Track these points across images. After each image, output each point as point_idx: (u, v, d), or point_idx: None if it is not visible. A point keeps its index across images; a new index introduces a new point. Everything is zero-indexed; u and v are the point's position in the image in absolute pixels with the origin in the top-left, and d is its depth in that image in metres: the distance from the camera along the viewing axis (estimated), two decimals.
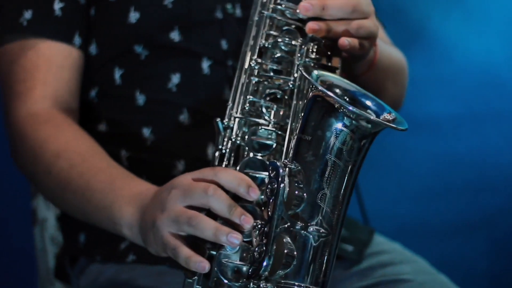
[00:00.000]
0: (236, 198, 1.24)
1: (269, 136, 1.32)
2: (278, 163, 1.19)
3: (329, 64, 1.37)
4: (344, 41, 1.34)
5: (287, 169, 1.20)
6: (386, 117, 1.22)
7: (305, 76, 1.20)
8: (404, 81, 1.70)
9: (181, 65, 1.56)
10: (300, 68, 1.22)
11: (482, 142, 2.76)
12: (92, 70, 1.60)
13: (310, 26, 1.34)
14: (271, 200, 1.18)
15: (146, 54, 1.56)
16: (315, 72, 1.24)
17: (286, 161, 1.21)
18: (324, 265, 1.20)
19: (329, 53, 1.37)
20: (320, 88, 1.18)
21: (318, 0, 1.35)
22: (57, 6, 1.55)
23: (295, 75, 1.34)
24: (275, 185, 1.18)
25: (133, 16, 1.55)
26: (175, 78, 1.56)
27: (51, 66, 1.54)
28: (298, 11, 1.36)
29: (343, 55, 1.39)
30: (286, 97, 1.35)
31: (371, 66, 1.50)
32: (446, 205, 2.78)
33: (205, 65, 1.56)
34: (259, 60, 1.37)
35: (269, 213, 1.18)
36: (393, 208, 2.71)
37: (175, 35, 1.55)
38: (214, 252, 1.23)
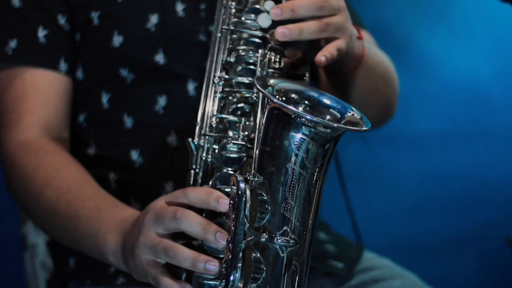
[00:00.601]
0: (211, 215, 1.24)
1: (239, 150, 1.32)
2: (239, 177, 1.18)
3: (296, 72, 1.37)
4: (320, 58, 1.34)
5: (249, 182, 1.19)
6: (349, 116, 1.22)
7: (258, 88, 1.19)
8: (395, 83, 1.70)
9: (167, 88, 1.56)
10: (255, 81, 1.21)
11: (470, 157, 2.77)
12: (80, 95, 1.60)
13: (280, 31, 1.34)
14: (233, 215, 1.18)
15: (132, 78, 1.57)
16: (271, 81, 1.24)
17: (248, 174, 1.21)
18: (297, 275, 1.19)
19: (295, 61, 1.37)
20: (274, 100, 1.17)
21: (286, 3, 1.35)
22: (41, 33, 1.56)
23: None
24: (237, 199, 1.18)
25: (117, 40, 1.56)
26: (162, 101, 1.56)
27: (38, 94, 1.55)
28: (270, 16, 1.37)
29: (309, 60, 1.39)
30: (253, 110, 1.36)
31: (360, 62, 1.50)
32: (436, 221, 2.78)
33: (191, 87, 1.57)
34: (223, 76, 1.38)
35: (232, 228, 1.18)
36: (385, 225, 2.72)
37: (159, 58, 1.56)
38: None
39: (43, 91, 1.55)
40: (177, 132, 1.56)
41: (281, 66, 1.37)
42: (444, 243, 2.78)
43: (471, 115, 2.76)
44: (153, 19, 1.56)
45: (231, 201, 1.18)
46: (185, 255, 1.20)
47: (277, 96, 1.21)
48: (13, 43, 1.56)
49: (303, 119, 1.16)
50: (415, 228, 2.76)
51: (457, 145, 2.76)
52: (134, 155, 1.57)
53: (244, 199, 1.17)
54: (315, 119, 1.15)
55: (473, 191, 2.78)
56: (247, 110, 1.36)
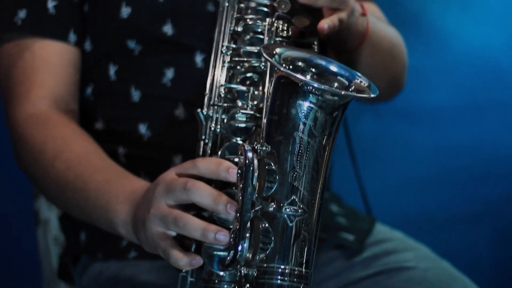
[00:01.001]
0: (221, 186, 1.24)
1: (248, 120, 1.32)
2: (247, 147, 1.18)
3: (303, 40, 1.36)
4: (323, 25, 1.34)
5: (257, 151, 1.19)
6: (357, 83, 1.21)
7: (265, 57, 1.19)
8: (404, 57, 1.70)
9: (175, 60, 1.56)
10: (261, 49, 1.21)
11: (483, 131, 2.76)
12: (87, 67, 1.60)
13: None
14: (241, 185, 1.17)
15: (140, 49, 1.56)
16: (277, 50, 1.23)
17: (256, 143, 1.21)
18: (306, 245, 1.19)
19: (303, 29, 1.37)
20: (280, 68, 1.17)
21: None
22: (51, 4, 1.55)
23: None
24: (244, 169, 1.17)
25: (125, 11, 1.55)
26: (169, 73, 1.56)
27: (47, 66, 1.54)
28: None
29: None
30: (260, 79, 1.35)
31: (365, 38, 1.49)
32: (449, 196, 2.77)
33: (199, 58, 1.56)
34: (231, 45, 1.37)
35: (240, 197, 1.17)
36: (396, 199, 2.70)
37: (168, 29, 1.55)
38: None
39: (52, 63, 1.55)
40: (185, 105, 1.56)
41: (289, 34, 1.36)
42: (457, 217, 2.77)
43: (485, 88, 2.74)
44: None
45: (239, 171, 1.18)
46: (195, 225, 1.21)
47: (283, 65, 1.21)
48: (22, 14, 1.55)
49: (310, 87, 1.15)
50: (428, 203, 2.75)
51: (470, 119, 2.75)
52: (142, 128, 1.57)
53: (251, 168, 1.17)
54: (322, 86, 1.15)
55: (486, 165, 2.76)
56: (256, 79, 1.36)
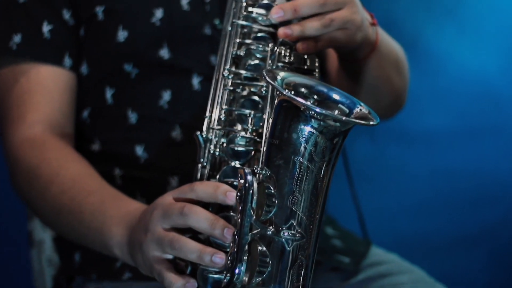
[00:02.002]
0: (218, 209, 1.24)
1: (247, 144, 1.32)
2: (247, 170, 1.18)
3: (305, 67, 1.36)
4: (299, 46, 1.34)
5: (256, 175, 1.19)
6: (358, 111, 1.21)
7: (268, 81, 1.19)
8: (406, 72, 1.70)
9: (172, 82, 1.56)
10: (264, 73, 1.21)
11: (478, 154, 2.76)
12: (84, 91, 1.60)
13: (282, 31, 1.34)
14: (240, 208, 1.17)
15: (136, 73, 1.56)
16: (280, 74, 1.23)
17: (256, 167, 1.20)
18: (302, 269, 1.19)
19: (305, 56, 1.37)
20: (283, 92, 1.17)
21: (288, 3, 1.35)
22: (46, 28, 1.55)
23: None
24: (244, 192, 1.17)
25: (122, 34, 1.55)
26: (166, 95, 1.56)
27: (42, 90, 1.55)
28: (270, 18, 1.36)
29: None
30: (262, 103, 1.35)
31: (373, 49, 1.49)
32: (445, 219, 2.77)
33: (196, 81, 1.56)
34: (233, 69, 1.38)
35: (239, 220, 1.17)
36: (392, 221, 2.70)
37: (164, 53, 1.56)
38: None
39: (47, 87, 1.55)
40: (181, 127, 1.55)
41: (291, 60, 1.36)
42: (452, 241, 2.77)
43: (480, 112, 2.75)
44: (158, 13, 1.56)
45: (238, 194, 1.18)
46: (191, 248, 1.20)
47: (286, 89, 1.21)
48: (17, 38, 1.55)
49: (312, 112, 1.15)
50: (423, 226, 2.75)
51: (465, 142, 2.75)
52: (139, 150, 1.56)
53: (251, 191, 1.17)
54: (324, 112, 1.15)
55: (482, 189, 2.76)
56: (256, 103, 1.35)
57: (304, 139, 1.16)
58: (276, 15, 1.35)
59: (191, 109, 1.55)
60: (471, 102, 2.74)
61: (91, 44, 1.58)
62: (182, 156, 1.54)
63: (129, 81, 1.57)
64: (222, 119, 1.36)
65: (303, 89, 1.23)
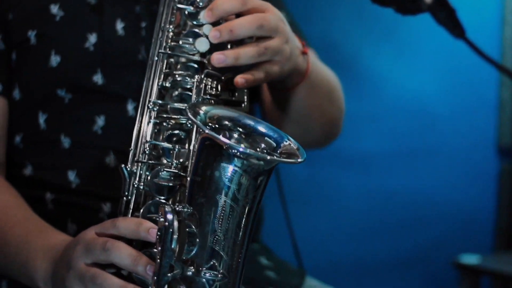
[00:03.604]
0: (142, 245, 1.21)
1: (172, 178, 1.29)
2: (167, 208, 1.15)
3: (233, 98, 1.34)
4: (237, 80, 1.32)
5: (178, 213, 1.16)
6: (288, 147, 1.19)
7: (190, 117, 1.16)
8: (341, 102, 1.68)
9: (106, 108, 1.53)
10: (186, 109, 1.18)
11: (414, 177, 2.77)
12: (16, 116, 1.56)
13: (215, 56, 1.32)
14: (160, 247, 1.14)
15: (70, 98, 1.53)
16: (203, 108, 1.20)
17: (178, 204, 1.18)
18: None
19: (232, 87, 1.34)
20: (205, 130, 1.14)
21: (224, 24, 1.33)
22: None
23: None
24: (163, 231, 1.14)
25: (54, 59, 1.52)
26: (100, 121, 1.53)
27: None
28: (210, 39, 1.34)
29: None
30: (187, 137, 1.33)
31: (303, 77, 1.48)
32: (380, 242, 2.77)
33: (130, 107, 1.54)
34: (158, 101, 1.35)
35: (158, 260, 1.14)
36: (327, 246, 2.70)
37: (98, 78, 1.53)
38: None
39: None
40: (115, 153, 1.52)
41: (218, 92, 1.34)
42: (388, 264, 2.77)
43: (416, 134, 2.76)
44: (92, 38, 1.52)
45: (158, 232, 1.15)
46: (112, 284, 1.18)
47: (209, 124, 1.19)
48: None
49: (235, 151, 1.12)
50: (358, 249, 2.75)
51: (401, 164, 2.76)
52: (71, 175, 1.53)
53: (171, 230, 1.13)
54: (247, 151, 1.12)
55: (417, 212, 2.78)
56: (182, 136, 1.33)
57: (227, 177, 1.14)
58: (213, 37, 1.32)
59: (125, 134, 1.52)
60: (407, 124, 2.75)
61: (23, 69, 1.54)
62: (115, 182, 1.50)
63: (62, 106, 1.53)
64: (147, 152, 1.33)
65: (227, 122, 1.21)
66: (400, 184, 2.75)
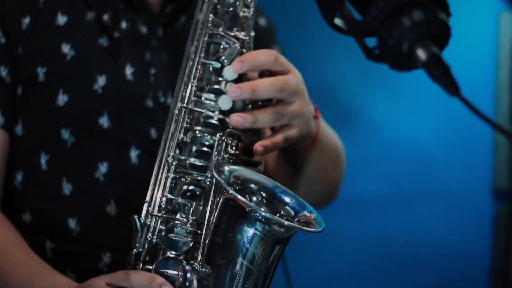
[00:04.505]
0: None
1: (186, 235, 1.29)
2: (187, 267, 1.16)
3: (251, 159, 1.34)
4: (256, 148, 1.32)
5: (196, 272, 1.17)
6: (306, 215, 1.20)
7: (216, 177, 1.17)
8: (343, 164, 1.70)
9: (109, 154, 1.52)
10: (212, 169, 1.19)
11: (411, 221, 2.76)
12: (18, 152, 1.55)
13: (234, 118, 1.32)
14: None
15: (73, 141, 1.52)
16: (228, 168, 1.21)
17: (197, 264, 1.18)
18: None
19: (250, 147, 1.35)
20: (230, 191, 1.15)
21: (247, 82, 1.33)
22: None
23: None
24: None
25: (62, 98, 1.51)
26: (103, 167, 1.52)
27: None
28: (229, 95, 1.34)
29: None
30: (203, 194, 1.33)
31: (314, 141, 1.48)
32: (378, 285, 2.76)
33: (134, 154, 1.53)
34: (177, 156, 1.35)
35: None
36: None
37: (104, 121, 1.52)
38: None
39: None
40: (116, 202, 1.52)
41: (237, 152, 1.34)
42: None
43: (412, 178, 2.76)
44: (101, 80, 1.52)
45: None
46: None
47: (234, 184, 1.19)
48: None
49: (258, 215, 1.13)
50: None
51: (398, 208, 2.75)
52: (72, 223, 1.52)
53: None
54: (271, 216, 1.13)
55: (413, 254, 2.77)
56: (198, 193, 1.32)
57: (248, 240, 1.14)
58: (233, 94, 1.33)
59: (127, 183, 1.52)
60: (404, 167, 2.75)
61: (29, 105, 1.53)
62: (116, 231, 1.50)
63: (65, 148, 1.52)
64: (163, 206, 1.33)
65: (252, 185, 1.23)
66: (397, 227, 2.74)
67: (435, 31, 1.05)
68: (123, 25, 1.55)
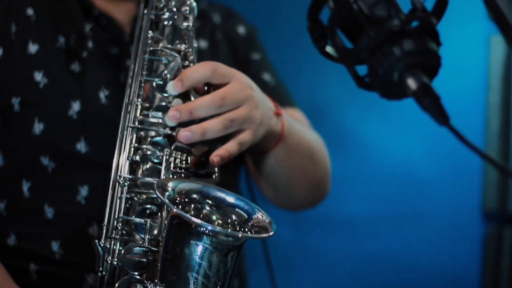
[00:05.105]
0: None
1: (144, 253, 1.29)
2: (139, 286, 1.16)
3: (203, 172, 1.34)
4: (213, 159, 1.32)
5: None
6: (259, 218, 1.20)
7: (158, 196, 1.17)
8: (325, 161, 1.68)
9: (89, 177, 1.53)
10: (155, 187, 1.19)
11: (400, 242, 2.76)
12: (0, 182, 1.56)
13: (182, 134, 1.32)
14: None
15: (53, 167, 1.53)
16: (169, 185, 1.22)
17: (150, 282, 1.20)
18: None
19: (203, 158, 1.35)
20: (173, 209, 1.16)
21: (184, 105, 1.33)
22: None
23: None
24: None
25: (38, 127, 1.52)
26: (83, 191, 1.53)
27: None
28: (166, 120, 1.35)
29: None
30: (158, 210, 1.33)
31: (279, 140, 1.48)
32: None
33: None
34: (128, 176, 1.35)
35: None
36: None
37: (81, 146, 1.53)
38: None
39: None
40: (98, 223, 1.52)
41: (188, 165, 1.34)
42: None
43: (402, 198, 2.75)
44: (75, 106, 1.53)
45: None
46: None
47: (178, 199, 1.20)
48: None
49: (204, 229, 1.13)
50: None
51: (387, 229, 2.75)
52: (55, 246, 1.53)
53: None
54: (216, 229, 1.13)
55: (402, 276, 2.76)
56: (154, 210, 1.33)
57: (197, 255, 1.14)
58: (172, 118, 1.32)
59: None
60: (393, 188, 2.74)
61: (6, 135, 1.54)
62: None
63: (46, 175, 1.53)
64: (119, 227, 1.33)
65: (195, 196, 1.22)
66: (386, 248, 2.74)
67: (425, 61, 1.05)
68: (89, 44, 1.54)
